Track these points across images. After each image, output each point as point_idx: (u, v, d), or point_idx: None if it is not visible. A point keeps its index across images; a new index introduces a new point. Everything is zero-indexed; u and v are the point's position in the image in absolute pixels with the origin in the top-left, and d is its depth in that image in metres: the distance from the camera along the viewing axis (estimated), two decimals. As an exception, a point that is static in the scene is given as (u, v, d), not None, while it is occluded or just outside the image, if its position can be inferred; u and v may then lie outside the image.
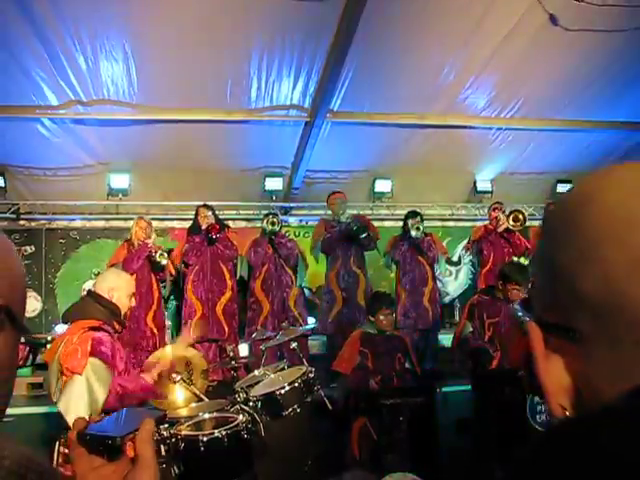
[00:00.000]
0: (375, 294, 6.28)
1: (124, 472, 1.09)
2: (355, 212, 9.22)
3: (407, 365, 5.91)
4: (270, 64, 7.68)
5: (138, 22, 6.99)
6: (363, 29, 7.07)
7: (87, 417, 1.17)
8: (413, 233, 8.22)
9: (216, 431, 3.88)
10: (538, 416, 4.85)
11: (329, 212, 8.75)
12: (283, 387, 4.34)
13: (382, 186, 10.37)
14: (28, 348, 5.93)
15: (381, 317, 5.80)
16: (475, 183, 10.70)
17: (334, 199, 8.40)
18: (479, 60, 7.96)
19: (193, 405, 4.55)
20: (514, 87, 8.57)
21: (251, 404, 4.27)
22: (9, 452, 0.75)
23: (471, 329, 5.72)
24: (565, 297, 0.71)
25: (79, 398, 3.63)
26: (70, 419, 3.49)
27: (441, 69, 8.10)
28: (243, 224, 10.14)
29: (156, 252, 7.66)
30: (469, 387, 6.41)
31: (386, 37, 7.41)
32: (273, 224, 8.03)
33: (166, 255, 7.71)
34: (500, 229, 8.56)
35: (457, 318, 10.42)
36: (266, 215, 8.22)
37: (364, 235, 8.02)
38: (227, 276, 7.94)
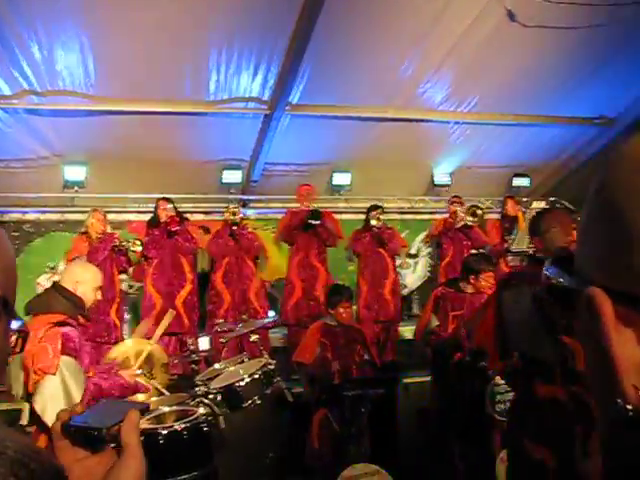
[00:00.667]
0: (335, 287, 6.29)
1: (109, 463, 1.08)
2: (316, 205, 9.25)
3: (366, 357, 5.93)
4: (229, 56, 7.63)
5: (96, 12, 6.88)
6: (323, 22, 7.07)
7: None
8: (373, 222, 8.30)
9: (175, 424, 3.87)
10: (497, 405, 4.91)
11: (287, 205, 8.75)
12: (242, 379, 4.34)
13: (341, 179, 10.38)
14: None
15: (341, 310, 5.81)
16: (433, 176, 10.78)
17: (301, 190, 8.46)
18: (438, 55, 8.03)
19: (153, 399, 4.51)
20: (472, 82, 8.66)
21: (211, 397, 4.26)
22: (11, 442, 0.74)
23: (437, 322, 5.74)
24: None
25: (56, 399, 3.53)
26: (49, 419, 3.42)
27: (400, 63, 8.14)
28: (201, 217, 10.06)
29: (127, 242, 7.59)
30: (428, 378, 6.48)
31: (346, 31, 7.42)
32: (234, 214, 8.01)
33: (139, 243, 7.63)
34: (458, 225, 8.65)
35: (415, 310, 10.51)
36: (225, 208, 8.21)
37: (317, 222, 8.06)
38: (187, 269, 7.89)
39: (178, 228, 7.75)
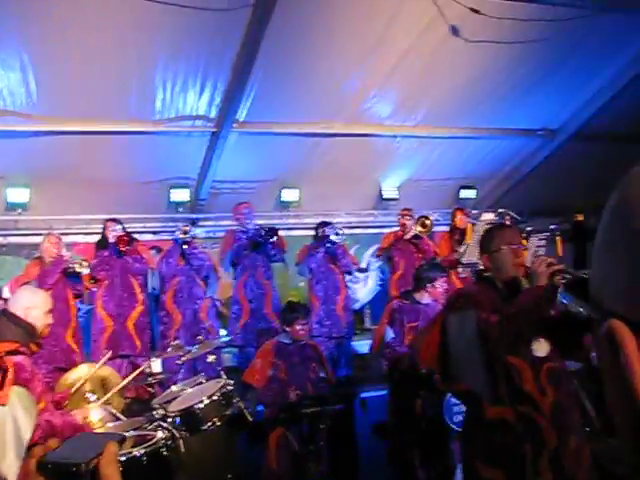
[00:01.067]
0: (291, 304, 6.26)
1: None
2: (263, 222, 9.23)
3: (322, 374, 5.91)
4: (175, 74, 7.58)
5: (37, 31, 6.76)
6: (269, 40, 7.09)
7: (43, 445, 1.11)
8: (334, 238, 8.30)
9: (134, 450, 3.79)
10: (455, 416, 4.95)
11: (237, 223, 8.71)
12: (202, 401, 4.28)
13: (289, 195, 10.37)
14: None
15: (298, 327, 5.79)
16: (381, 190, 10.85)
17: (241, 209, 8.38)
18: (383, 70, 8.11)
19: (110, 424, 4.42)
20: (418, 96, 8.77)
21: (170, 420, 4.19)
22: None
23: (392, 334, 5.78)
24: None
25: (2, 430, 3.40)
26: None
27: (346, 79, 8.20)
28: (150, 237, 9.93)
29: (73, 264, 7.43)
30: (384, 392, 6.50)
31: (292, 48, 7.46)
32: (185, 232, 7.94)
33: (86, 264, 7.47)
34: (407, 236, 8.72)
35: (367, 324, 10.55)
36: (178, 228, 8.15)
37: (274, 238, 8.04)
38: (137, 290, 7.79)
39: (127, 248, 7.65)
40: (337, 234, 8.38)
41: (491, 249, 3.40)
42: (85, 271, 7.52)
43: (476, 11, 7.13)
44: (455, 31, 7.53)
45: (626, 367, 0.61)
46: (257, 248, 8.16)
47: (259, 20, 6.84)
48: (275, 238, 8.07)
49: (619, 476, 4.59)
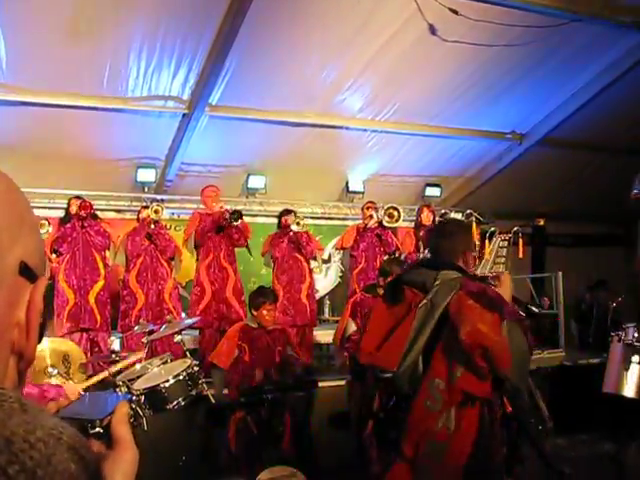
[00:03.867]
0: (259, 289, 6.26)
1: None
2: (228, 207, 9.23)
3: (288, 359, 5.92)
4: (150, 53, 7.50)
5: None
6: (248, 25, 7.06)
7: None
8: (294, 227, 8.36)
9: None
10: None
11: (202, 206, 8.69)
12: (167, 380, 4.28)
13: (256, 182, 10.37)
14: None
15: (264, 312, 5.80)
16: (347, 183, 10.92)
17: (208, 192, 8.37)
18: (358, 63, 8.14)
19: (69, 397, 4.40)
20: (390, 92, 8.83)
21: (134, 398, 4.18)
22: (63, 429, 0.74)
23: (354, 327, 5.84)
24: None
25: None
26: None
27: (321, 70, 8.22)
28: (113, 215, 9.85)
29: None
30: (342, 382, 6.57)
31: (270, 35, 7.44)
32: (157, 212, 7.91)
33: (46, 222, 7.48)
34: (370, 224, 8.77)
35: (327, 315, 10.63)
36: (144, 207, 8.11)
37: (238, 221, 8.05)
38: (100, 264, 7.75)
39: (89, 213, 7.66)
40: (298, 224, 8.43)
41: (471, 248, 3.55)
42: (47, 229, 7.59)
43: (455, 12, 7.20)
44: (432, 30, 7.59)
45: None
46: (221, 231, 8.15)
47: (239, 4, 6.80)
48: (239, 221, 8.06)
49: (566, 475, 4.72)
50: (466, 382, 3.25)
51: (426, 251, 8.12)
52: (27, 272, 0.82)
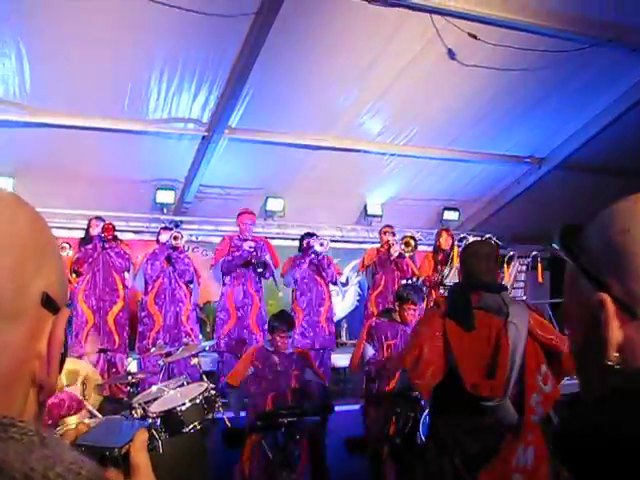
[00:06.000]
0: (280, 314, 6.23)
1: None
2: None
3: (305, 381, 5.89)
4: (171, 76, 7.57)
5: (36, 20, 6.70)
6: (268, 49, 7.11)
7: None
8: (318, 248, 8.37)
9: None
10: (428, 434, 4.98)
11: (220, 228, 8.74)
12: (184, 404, 4.27)
13: (274, 205, 10.39)
14: None
15: (277, 338, 5.81)
16: (366, 206, 10.91)
17: (244, 219, 8.44)
18: (378, 87, 8.16)
19: (86, 421, 4.39)
20: (409, 116, 8.83)
21: (150, 421, 4.17)
22: (83, 463, 0.74)
23: (372, 351, 5.82)
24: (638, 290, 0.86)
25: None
26: None
27: (340, 94, 8.25)
28: (131, 236, 9.91)
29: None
30: (357, 407, 6.54)
31: (290, 59, 7.49)
32: (176, 239, 7.96)
33: (67, 245, 7.52)
34: (394, 256, 8.77)
35: (344, 338, 10.59)
36: (164, 228, 8.15)
37: (261, 270, 8.21)
38: (119, 286, 7.80)
39: (113, 236, 7.70)
40: (322, 244, 8.46)
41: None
42: (68, 253, 7.62)
43: (474, 36, 7.21)
44: (451, 54, 7.61)
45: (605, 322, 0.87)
46: (248, 265, 8.22)
47: (259, 29, 6.86)
48: (262, 270, 8.15)
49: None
50: (555, 391, 3.49)
51: (446, 274, 8.09)
52: (49, 303, 0.82)
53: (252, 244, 8.17)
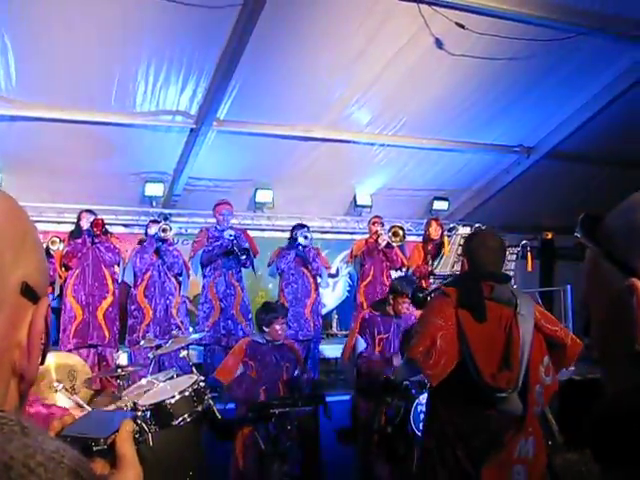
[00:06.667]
0: (267, 305, 6.23)
1: (103, 473, 1.05)
2: (237, 222, 9.26)
3: (295, 374, 5.92)
4: (159, 68, 7.52)
5: (21, 14, 6.65)
6: (255, 40, 7.08)
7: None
8: (301, 240, 8.37)
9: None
10: (421, 424, 4.99)
11: (209, 220, 8.71)
12: (173, 396, 4.27)
13: (263, 196, 10.38)
14: None
15: (277, 327, 5.80)
16: (355, 197, 10.91)
17: (221, 209, 8.37)
18: (366, 78, 8.14)
19: (74, 415, 4.37)
20: (398, 106, 8.82)
21: (140, 413, 4.16)
22: (65, 452, 0.74)
23: (364, 344, 5.83)
24: None
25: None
26: None
27: (328, 85, 8.22)
28: (121, 229, 9.89)
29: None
30: (348, 397, 6.55)
31: (277, 50, 7.46)
32: (165, 231, 7.93)
33: (58, 240, 7.52)
34: (382, 245, 8.77)
35: (334, 329, 10.60)
36: (152, 220, 8.14)
37: (244, 257, 8.12)
38: (109, 280, 7.77)
39: (102, 231, 7.66)
40: (305, 237, 8.45)
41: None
42: (58, 247, 7.64)
43: (461, 26, 7.20)
44: (439, 44, 7.59)
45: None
46: (228, 255, 8.19)
47: (246, 20, 6.82)
48: (244, 256, 8.12)
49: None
50: (554, 383, 3.54)
51: (436, 264, 8.09)
52: (29, 293, 0.82)
53: (232, 232, 8.14)
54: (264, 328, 5.88)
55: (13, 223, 0.84)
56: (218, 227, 8.34)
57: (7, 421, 0.73)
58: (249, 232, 8.79)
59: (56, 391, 4.55)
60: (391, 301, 5.99)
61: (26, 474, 0.68)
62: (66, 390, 4.57)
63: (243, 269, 8.46)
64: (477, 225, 8.41)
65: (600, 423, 0.87)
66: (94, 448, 1.05)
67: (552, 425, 5.41)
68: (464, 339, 3.38)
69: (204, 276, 8.38)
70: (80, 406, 4.51)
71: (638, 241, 0.89)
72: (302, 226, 8.68)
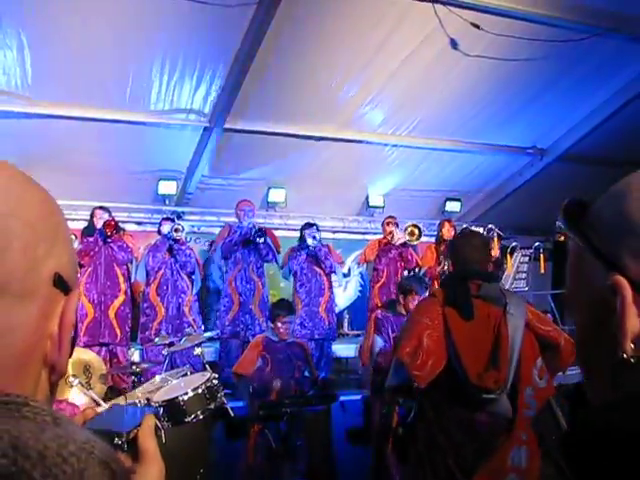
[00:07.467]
0: (278, 302, 6.30)
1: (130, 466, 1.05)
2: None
3: (306, 373, 5.94)
4: (173, 67, 7.55)
5: (37, 12, 6.68)
6: (270, 39, 7.10)
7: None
8: (309, 242, 8.39)
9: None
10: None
11: (222, 219, 8.75)
12: (186, 393, 4.28)
13: (276, 195, 10.39)
14: None
15: (279, 324, 5.84)
16: (368, 197, 10.91)
17: (242, 206, 8.45)
18: (380, 78, 8.14)
19: (95, 409, 4.39)
20: (411, 106, 8.81)
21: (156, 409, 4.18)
22: (95, 443, 0.74)
23: (382, 342, 5.83)
24: None
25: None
26: None
27: (342, 84, 8.22)
28: (134, 227, 9.91)
29: None
30: (359, 396, 6.55)
31: (292, 49, 7.47)
32: (177, 231, 7.97)
33: (72, 237, 7.50)
34: (398, 242, 8.76)
35: (346, 329, 10.60)
36: (165, 219, 8.16)
37: (262, 239, 8.11)
38: (121, 279, 7.79)
39: (114, 232, 7.66)
40: (314, 238, 8.47)
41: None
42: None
43: (476, 26, 7.19)
44: (454, 44, 7.58)
45: (622, 308, 0.77)
46: (248, 245, 8.20)
47: (261, 19, 6.83)
48: (262, 239, 8.13)
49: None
50: (550, 385, 3.44)
51: (447, 263, 8.07)
52: (61, 284, 0.82)
53: (252, 221, 8.20)
54: (271, 324, 5.94)
55: (47, 215, 0.84)
56: (239, 224, 8.37)
57: (40, 411, 0.74)
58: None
59: (72, 386, 4.56)
60: (401, 300, 6.00)
61: (60, 463, 0.68)
62: (82, 385, 4.58)
63: (265, 265, 8.49)
64: (490, 226, 8.40)
65: (572, 441, 0.79)
66: (116, 442, 1.06)
67: (562, 425, 5.38)
68: (450, 337, 3.30)
69: (226, 272, 8.42)
70: (95, 402, 4.53)
71: (627, 233, 0.79)
72: (310, 225, 8.69)
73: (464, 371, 3.22)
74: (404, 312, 5.97)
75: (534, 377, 3.34)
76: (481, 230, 8.55)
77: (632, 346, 0.76)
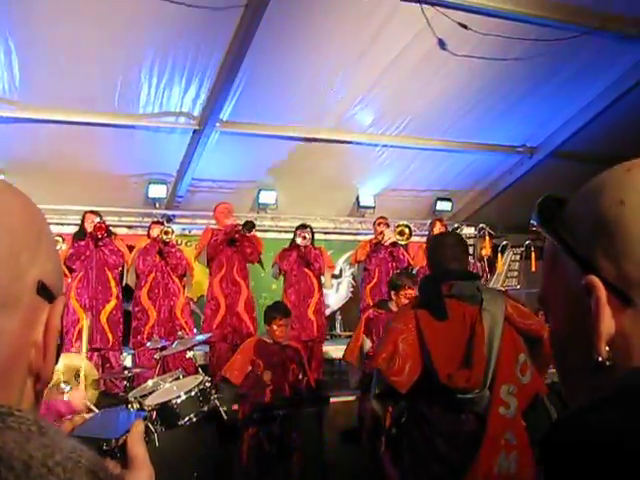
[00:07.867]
0: (274, 304, 6.26)
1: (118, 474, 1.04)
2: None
3: (300, 376, 5.92)
4: (162, 70, 7.54)
5: (24, 16, 6.66)
6: (258, 42, 7.09)
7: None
8: (299, 241, 8.38)
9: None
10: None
11: (212, 221, 8.73)
12: (179, 396, 4.27)
13: (267, 197, 10.39)
14: None
15: (274, 327, 5.80)
16: (358, 198, 10.91)
17: (221, 209, 8.39)
18: (369, 79, 8.15)
19: (85, 416, 4.38)
20: (401, 106, 8.83)
21: (146, 414, 4.17)
22: (82, 452, 0.73)
23: (370, 343, 5.83)
24: (633, 271, 0.75)
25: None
26: None
27: (331, 86, 8.22)
28: (124, 230, 9.89)
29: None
30: (352, 398, 6.54)
31: (280, 51, 7.47)
32: (167, 234, 7.94)
33: (60, 239, 7.52)
34: (387, 242, 8.77)
35: (338, 330, 10.60)
36: (155, 222, 8.13)
37: (252, 231, 8.15)
38: (112, 283, 7.76)
39: (104, 235, 7.64)
40: (304, 238, 8.46)
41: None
42: (61, 247, 7.63)
43: (464, 26, 7.20)
44: (442, 44, 7.59)
45: (596, 309, 0.76)
46: (233, 243, 8.16)
47: (249, 22, 6.83)
48: (252, 231, 8.11)
49: None
50: (536, 382, 3.32)
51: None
52: (45, 292, 0.81)
53: (234, 220, 8.19)
54: (266, 327, 5.91)
55: (28, 222, 0.83)
56: (220, 227, 8.35)
57: (24, 420, 0.73)
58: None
59: (63, 392, 4.54)
60: (393, 297, 5.99)
61: (45, 474, 0.67)
62: (73, 392, 4.56)
63: (250, 268, 8.46)
64: (481, 225, 8.42)
65: (549, 444, 0.76)
66: (105, 449, 1.05)
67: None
68: (423, 339, 3.24)
69: (210, 274, 8.39)
70: (87, 408, 4.52)
71: (602, 232, 0.77)
72: (304, 227, 8.67)
73: (435, 372, 3.16)
74: (396, 309, 5.96)
75: (516, 373, 3.25)
76: (472, 229, 8.58)
77: (607, 348, 0.75)
